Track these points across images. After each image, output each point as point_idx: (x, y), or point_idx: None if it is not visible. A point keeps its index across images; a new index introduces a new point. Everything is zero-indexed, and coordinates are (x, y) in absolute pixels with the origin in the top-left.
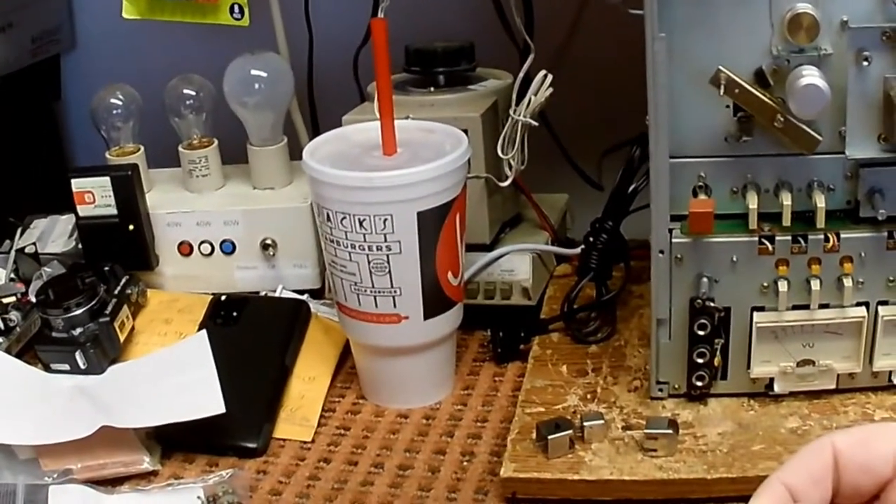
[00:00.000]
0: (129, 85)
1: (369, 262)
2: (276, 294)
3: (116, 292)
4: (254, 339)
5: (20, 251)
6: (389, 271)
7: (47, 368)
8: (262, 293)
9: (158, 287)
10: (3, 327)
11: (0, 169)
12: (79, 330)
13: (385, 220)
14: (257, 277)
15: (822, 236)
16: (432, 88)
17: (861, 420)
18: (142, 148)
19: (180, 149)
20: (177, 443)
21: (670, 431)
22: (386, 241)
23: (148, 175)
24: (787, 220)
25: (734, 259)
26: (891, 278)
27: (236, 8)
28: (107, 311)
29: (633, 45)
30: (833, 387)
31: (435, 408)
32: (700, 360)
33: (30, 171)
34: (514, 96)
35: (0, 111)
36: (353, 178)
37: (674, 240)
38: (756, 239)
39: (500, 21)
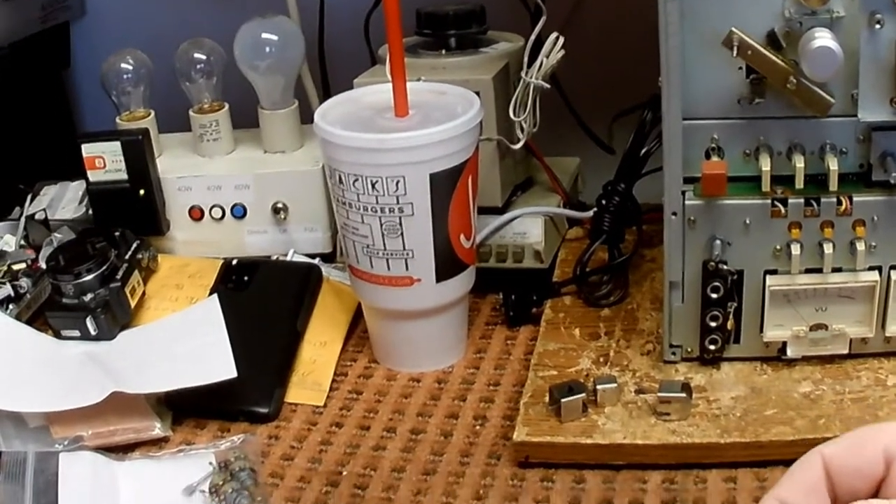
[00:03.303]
0: (139, 50)
1: (381, 225)
2: (288, 258)
3: (127, 257)
4: (265, 303)
5: (30, 218)
6: (402, 233)
7: (57, 335)
8: (274, 257)
9: (169, 252)
10: (13, 294)
11: (10, 136)
12: (89, 296)
13: (397, 181)
14: (268, 241)
15: (834, 199)
16: (443, 51)
17: (874, 385)
18: (152, 113)
19: (191, 113)
20: (188, 408)
21: (683, 395)
22: (398, 203)
23: (158, 140)
24: (799, 183)
25: (747, 222)
26: None
27: None
28: (117, 277)
29: (645, 7)
30: (846, 352)
31: (447, 371)
32: (713, 324)
33: (39, 138)
34: (525, 59)
35: (9, 79)
36: (365, 140)
37: (687, 202)
38: (769, 201)
39: None
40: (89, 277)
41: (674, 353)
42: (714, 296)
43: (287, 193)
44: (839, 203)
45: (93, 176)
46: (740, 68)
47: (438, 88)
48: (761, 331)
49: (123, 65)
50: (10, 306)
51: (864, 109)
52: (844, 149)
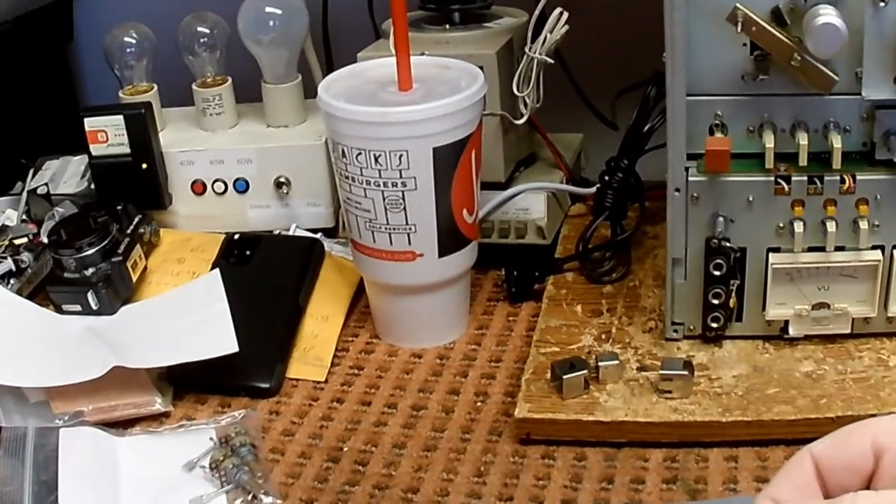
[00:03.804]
0: (142, 24)
1: (384, 199)
2: (290, 233)
3: (129, 232)
4: (267, 278)
5: (32, 192)
6: (404, 208)
7: (59, 310)
8: (276, 232)
9: (171, 226)
10: (14, 268)
11: (12, 111)
12: (91, 270)
13: (400, 155)
14: (271, 216)
15: (837, 177)
16: (447, 26)
17: (875, 365)
18: (155, 86)
19: (194, 87)
20: (189, 383)
21: (685, 373)
22: (401, 177)
23: (161, 114)
24: (803, 160)
25: (750, 198)
26: None
27: None
28: (119, 251)
29: None
30: (848, 331)
31: (449, 347)
32: (715, 301)
33: (42, 112)
34: (529, 34)
35: (12, 53)
36: (369, 114)
37: (690, 178)
38: (772, 178)
39: None
40: (91, 252)
41: (676, 331)
42: (717, 273)
43: (290, 168)
44: (842, 181)
45: (95, 150)
46: (745, 45)
47: (442, 63)
48: (763, 309)
49: (126, 38)
50: (12, 281)
51: (867, 87)
52: (848, 127)
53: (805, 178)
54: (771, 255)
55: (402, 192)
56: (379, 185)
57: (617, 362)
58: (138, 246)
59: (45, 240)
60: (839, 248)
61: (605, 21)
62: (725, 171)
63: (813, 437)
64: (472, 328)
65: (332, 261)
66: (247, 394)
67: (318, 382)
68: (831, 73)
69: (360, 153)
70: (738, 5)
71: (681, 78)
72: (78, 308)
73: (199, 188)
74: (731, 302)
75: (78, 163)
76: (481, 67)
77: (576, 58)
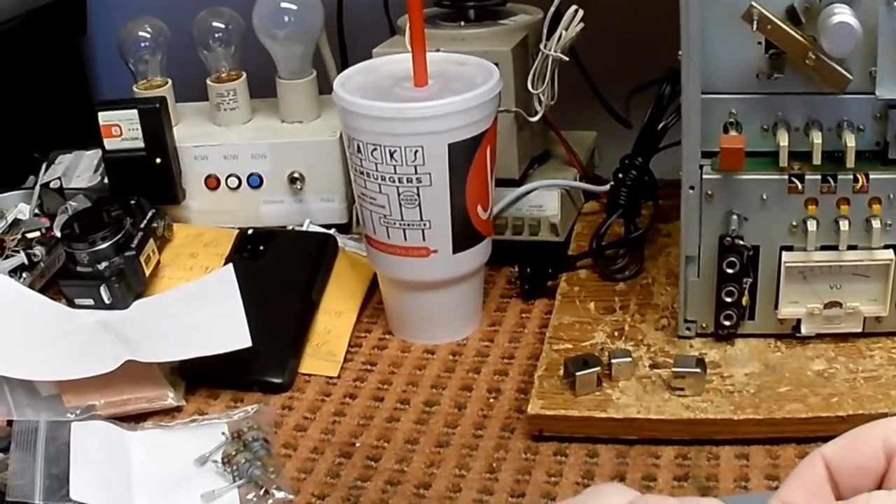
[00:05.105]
0: (156, 18)
1: (399, 195)
2: (303, 228)
3: (142, 226)
4: (280, 273)
5: (45, 186)
6: (419, 204)
7: (71, 303)
8: (289, 227)
9: (185, 221)
10: (27, 262)
11: (25, 105)
12: (104, 264)
13: (416, 151)
14: (284, 211)
15: (851, 176)
16: (462, 22)
17: (886, 364)
18: (170, 81)
19: (208, 82)
20: (201, 378)
21: (698, 370)
22: (416, 172)
23: (175, 108)
24: (816, 159)
25: (764, 197)
26: None
27: None
28: (132, 245)
29: None
30: (859, 330)
31: (462, 344)
32: (728, 299)
33: (55, 107)
34: (544, 31)
35: (26, 46)
36: (384, 109)
37: (704, 176)
38: (786, 177)
39: None
40: (104, 246)
41: (688, 329)
42: (730, 271)
43: (304, 163)
44: (855, 180)
45: (109, 144)
46: (759, 43)
47: (458, 59)
48: (776, 307)
49: (141, 32)
50: (24, 274)
51: (881, 87)
52: (861, 126)
53: (819, 177)
54: (784, 253)
55: (417, 187)
56: (394, 181)
57: (629, 359)
58: (151, 240)
59: (58, 234)
60: (852, 247)
61: (620, 19)
62: (739, 170)
63: (824, 435)
64: (485, 325)
65: (346, 256)
66: (259, 389)
67: (331, 378)
68: (845, 72)
69: (375, 149)
70: (753, 4)
71: (696, 76)
72: (90, 302)
73: (212, 183)
74: (744, 300)
75: (91, 157)
76: (496, 64)
77: (590, 55)
